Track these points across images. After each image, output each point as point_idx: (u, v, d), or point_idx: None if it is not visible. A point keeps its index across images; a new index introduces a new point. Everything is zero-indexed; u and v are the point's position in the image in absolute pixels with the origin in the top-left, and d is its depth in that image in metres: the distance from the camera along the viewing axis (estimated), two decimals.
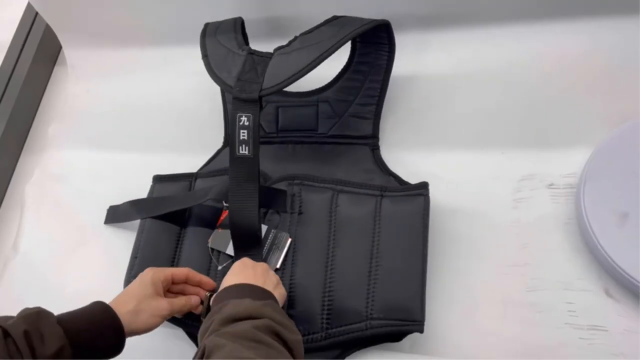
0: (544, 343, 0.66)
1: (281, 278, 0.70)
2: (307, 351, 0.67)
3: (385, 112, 0.82)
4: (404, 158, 0.80)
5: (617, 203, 0.67)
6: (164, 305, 0.63)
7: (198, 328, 0.69)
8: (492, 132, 0.79)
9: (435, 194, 0.72)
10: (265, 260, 0.71)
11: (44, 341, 0.52)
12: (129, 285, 0.64)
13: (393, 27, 0.75)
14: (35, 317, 0.53)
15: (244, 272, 0.63)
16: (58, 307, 0.74)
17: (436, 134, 0.81)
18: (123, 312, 0.59)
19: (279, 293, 0.63)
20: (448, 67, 0.84)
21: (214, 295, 0.63)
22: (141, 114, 0.96)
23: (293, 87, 0.71)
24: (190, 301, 0.67)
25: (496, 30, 0.82)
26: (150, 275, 0.64)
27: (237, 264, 0.66)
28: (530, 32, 0.81)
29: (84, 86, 1.01)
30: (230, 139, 0.69)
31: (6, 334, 0.51)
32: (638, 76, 0.76)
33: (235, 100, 0.68)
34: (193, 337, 0.73)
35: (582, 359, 0.64)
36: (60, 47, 1.05)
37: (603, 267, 0.67)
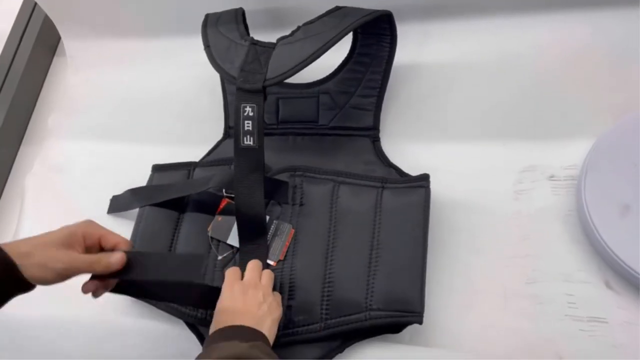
0: (543, 335, 0.66)
1: (282, 269, 0.70)
2: (307, 342, 0.68)
3: (386, 103, 0.81)
4: (405, 150, 0.80)
5: (617, 195, 0.67)
6: (62, 256, 0.53)
7: (197, 319, 0.70)
8: (493, 123, 0.79)
9: (435, 186, 0.72)
10: (267, 250, 0.72)
11: None
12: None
13: (395, 17, 0.74)
14: None
15: (233, 301, 0.62)
16: (58, 296, 0.74)
17: (437, 126, 0.81)
18: (14, 254, 0.52)
19: (276, 317, 0.63)
20: (449, 58, 0.84)
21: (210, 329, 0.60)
22: (141, 105, 0.95)
23: (293, 79, 0.71)
24: (106, 258, 0.56)
25: (498, 21, 0.82)
26: (71, 229, 0.56)
27: (227, 290, 0.64)
28: (533, 22, 0.81)
29: (83, 77, 1.01)
30: (234, 129, 0.69)
31: None
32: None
33: (239, 91, 0.68)
34: (193, 327, 0.73)
35: (581, 350, 0.64)
36: (60, 38, 1.04)
37: (603, 259, 0.67)
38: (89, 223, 0.58)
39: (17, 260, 0.51)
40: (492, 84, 0.81)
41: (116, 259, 0.57)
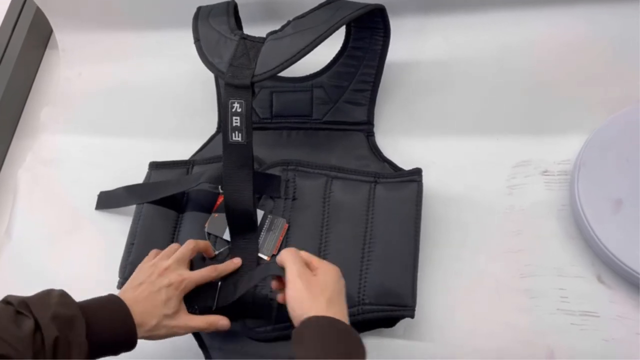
0: (536, 328, 0.66)
1: None
2: None
3: (380, 98, 0.81)
4: (399, 144, 0.80)
5: (611, 190, 0.67)
6: (182, 325, 0.62)
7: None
8: (487, 118, 0.79)
9: (429, 181, 0.72)
10: (260, 245, 0.71)
11: (70, 351, 0.53)
12: (155, 296, 0.61)
13: (389, 11, 0.74)
14: (69, 325, 0.53)
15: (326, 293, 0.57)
16: None
17: (431, 121, 0.81)
18: (142, 331, 0.59)
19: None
20: (444, 53, 0.83)
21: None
22: (134, 98, 0.95)
23: (287, 72, 0.70)
24: (216, 324, 0.65)
25: (493, 16, 0.81)
26: (177, 293, 0.62)
27: (301, 274, 0.58)
28: (528, 17, 0.80)
29: (76, 70, 1.00)
30: (222, 125, 0.68)
31: (37, 326, 0.51)
32: (634, 63, 0.75)
33: (228, 87, 0.68)
34: None
35: (573, 344, 0.64)
36: (52, 31, 1.03)
37: (596, 253, 0.67)
38: (185, 285, 0.63)
39: (146, 334, 0.59)
40: (486, 79, 0.80)
41: (223, 325, 0.65)
